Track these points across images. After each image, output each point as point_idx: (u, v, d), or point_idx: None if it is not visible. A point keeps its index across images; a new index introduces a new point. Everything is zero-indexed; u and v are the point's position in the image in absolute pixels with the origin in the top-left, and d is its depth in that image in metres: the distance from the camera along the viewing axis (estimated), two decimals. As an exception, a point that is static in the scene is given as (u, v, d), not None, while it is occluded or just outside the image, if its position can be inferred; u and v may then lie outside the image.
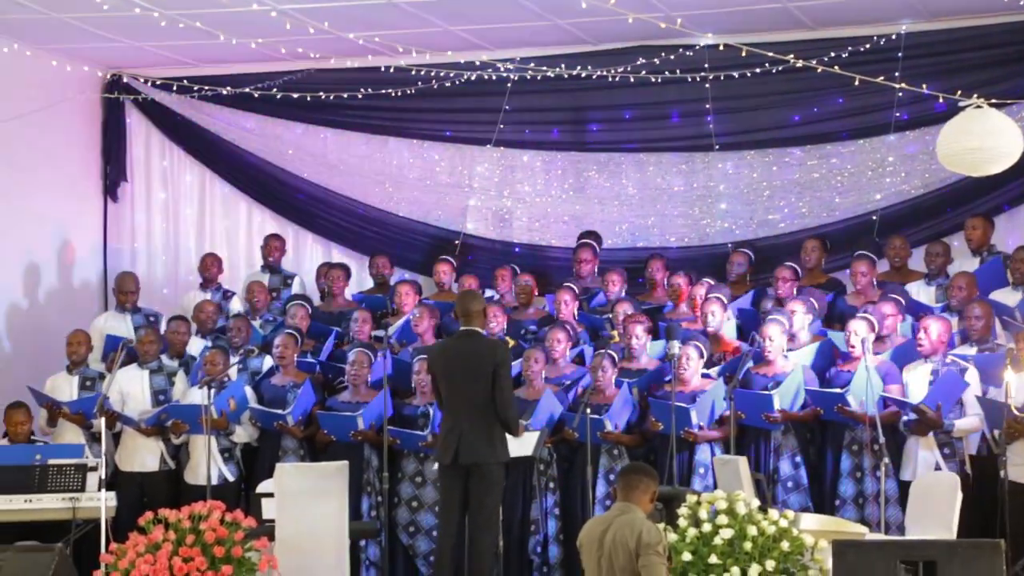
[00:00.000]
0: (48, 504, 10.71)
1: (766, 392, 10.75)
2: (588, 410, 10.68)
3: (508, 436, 9.91)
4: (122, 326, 12.81)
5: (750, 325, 11.75)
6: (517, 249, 13.78)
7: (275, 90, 13.94)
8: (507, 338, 11.86)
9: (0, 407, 11.85)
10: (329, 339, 12.43)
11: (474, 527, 9.79)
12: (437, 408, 10.81)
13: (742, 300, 12.24)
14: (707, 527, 8.35)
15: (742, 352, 11.22)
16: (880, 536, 9.55)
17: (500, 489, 9.93)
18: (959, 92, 10.85)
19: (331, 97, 13.81)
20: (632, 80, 12.92)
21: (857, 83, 11.52)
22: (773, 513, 8.32)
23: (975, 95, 10.53)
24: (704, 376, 11.13)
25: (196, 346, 12.57)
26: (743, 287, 12.57)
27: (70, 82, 13.96)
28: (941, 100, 11.19)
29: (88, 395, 11.84)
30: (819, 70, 11.82)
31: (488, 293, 13.03)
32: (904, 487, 10.35)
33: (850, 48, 12.35)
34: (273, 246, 13.84)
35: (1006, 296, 11.30)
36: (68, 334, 12.22)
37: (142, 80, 14.46)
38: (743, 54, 11.96)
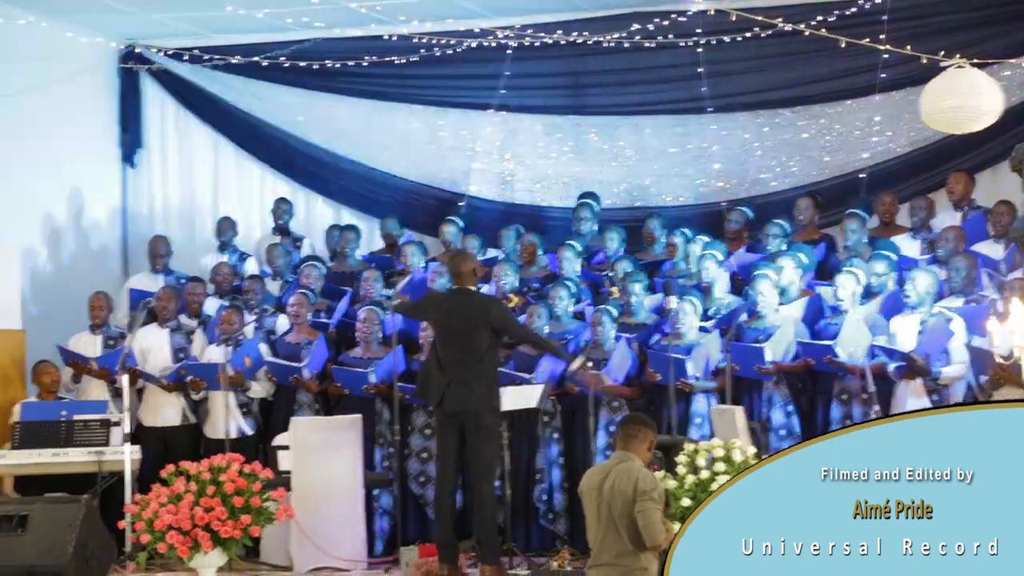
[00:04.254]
0: (75, 458, 10.98)
1: (757, 344, 10.87)
2: (590, 364, 10.86)
3: (508, 388, 10.05)
4: (153, 287, 12.95)
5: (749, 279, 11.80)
6: (519, 210, 13.90)
7: (283, 59, 14.01)
8: (511, 295, 12.03)
9: (28, 366, 12.05)
10: (344, 299, 12.55)
11: (473, 477, 9.96)
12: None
13: (740, 255, 12.33)
14: (705, 474, 8.47)
15: (736, 306, 11.40)
16: (871, 479, 9.86)
17: (497, 439, 10.10)
18: (942, 53, 10.94)
19: (337, 65, 13.88)
20: (627, 45, 12.97)
21: (844, 46, 11.58)
22: (768, 460, 8.50)
23: (957, 56, 10.62)
24: (700, 329, 11.20)
25: (212, 306, 12.71)
26: (740, 243, 12.67)
27: (86, 53, 13.99)
28: (924, 61, 11.21)
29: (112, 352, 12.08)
30: (807, 34, 11.88)
31: (492, 253, 13.22)
32: (893, 433, 10.67)
33: (836, 12, 12.28)
34: (283, 209, 14.00)
35: (989, 248, 11.40)
36: (90, 297, 12.38)
37: (155, 50, 14.55)
38: (733, 19, 12.03)
